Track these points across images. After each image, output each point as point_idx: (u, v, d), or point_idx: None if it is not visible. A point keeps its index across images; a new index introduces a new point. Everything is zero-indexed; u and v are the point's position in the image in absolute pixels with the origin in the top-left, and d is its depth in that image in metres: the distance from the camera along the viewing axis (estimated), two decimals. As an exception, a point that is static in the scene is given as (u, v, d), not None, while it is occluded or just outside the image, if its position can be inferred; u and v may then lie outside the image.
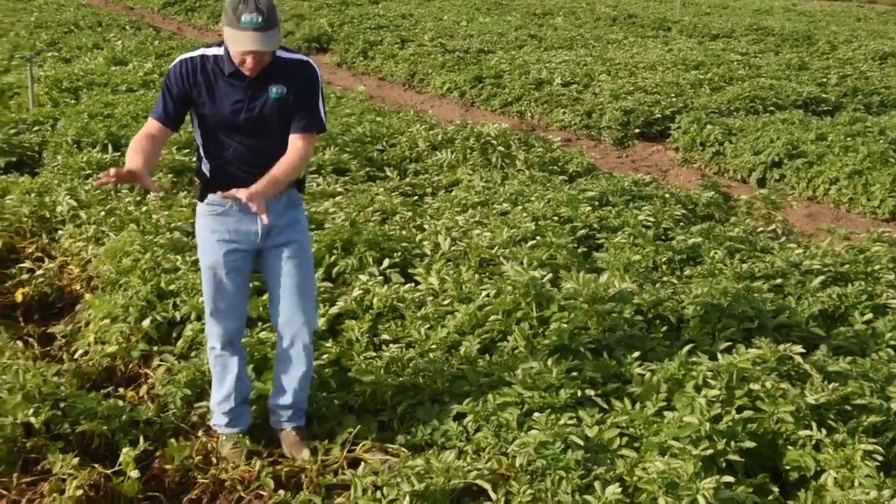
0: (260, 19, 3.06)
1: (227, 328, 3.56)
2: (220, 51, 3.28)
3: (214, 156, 3.39)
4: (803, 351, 3.93)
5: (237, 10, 3.07)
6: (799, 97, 10.91)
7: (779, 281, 5.00)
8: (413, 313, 4.54)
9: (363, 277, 4.90)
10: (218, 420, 3.71)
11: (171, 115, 3.31)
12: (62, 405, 3.74)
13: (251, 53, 3.15)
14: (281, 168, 3.28)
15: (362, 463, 3.49)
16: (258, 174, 3.24)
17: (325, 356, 4.17)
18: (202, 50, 3.33)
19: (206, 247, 3.46)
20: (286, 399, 3.67)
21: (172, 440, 3.63)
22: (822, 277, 4.96)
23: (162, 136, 3.33)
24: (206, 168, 3.42)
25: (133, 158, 3.17)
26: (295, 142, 3.35)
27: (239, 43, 3.11)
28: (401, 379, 3.97)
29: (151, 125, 3.33)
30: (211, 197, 3.39)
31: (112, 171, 2.99)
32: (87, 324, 4.72)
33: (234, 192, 3.10)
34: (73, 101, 9.82)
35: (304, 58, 3.42)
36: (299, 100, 3.34)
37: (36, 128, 8.47)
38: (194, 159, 7.17)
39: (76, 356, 4.44)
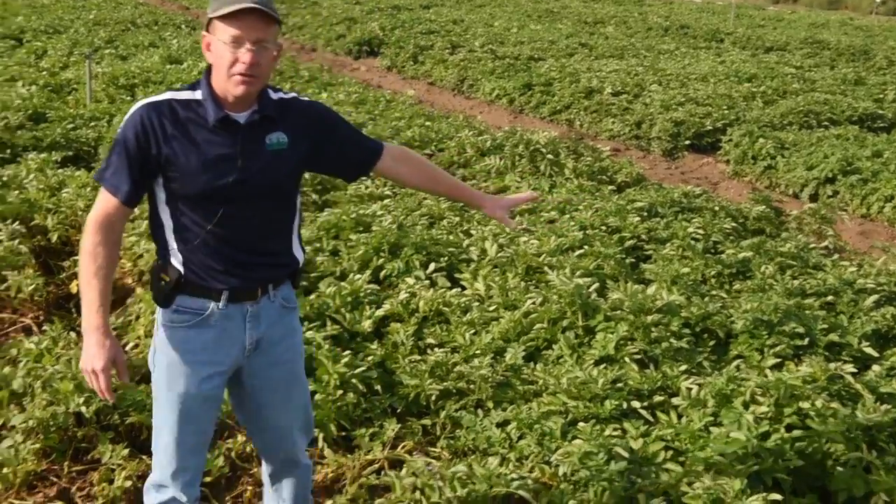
0: None
1: (191, 465, 2.69)
2: (195, 94, 2.43)
3: (191, 241, 2.46)
4: (855, 370, 3.86)
5: None
6: (854, 113, 10.75)
7: (830, 298, 4.91)
8: (458, 318, 4.54)
9: (409, 281, 4.92)
10: None
11: (133, 188, 2.41)
12: (112, 396, 3.80)
13: (250, 14, 2.30)
14: (439, 171, 2.88)
15: (404, 464, 3.50)
16: (256, 258, 2.52)
17: (369, 358, 4.19)
18: (169, 94, 2.45)
19: (174, 371, 2.55)
20: None
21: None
22: (875, 296, 4.86)
23: (123, 218, 2.47)
24: (176, 261, 2.49)
25: (98, 310, 2.41)
26: (401, 153, 2.78)
27: (234, 4, 2.29)
28: (445, 383, 3.98)
29: (108, 204, 2.42)
30: (182, 300, 2.51)
31: (106, 392, 2.51)
32: (138, 317, 4.80)
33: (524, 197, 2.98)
34: (128, 98, 9.99)
35: (301, 96, 2.65)
36: (331, 145, 2.60)
37: (92, 123, 8.63)
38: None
39: (127, 349, 4.51)
